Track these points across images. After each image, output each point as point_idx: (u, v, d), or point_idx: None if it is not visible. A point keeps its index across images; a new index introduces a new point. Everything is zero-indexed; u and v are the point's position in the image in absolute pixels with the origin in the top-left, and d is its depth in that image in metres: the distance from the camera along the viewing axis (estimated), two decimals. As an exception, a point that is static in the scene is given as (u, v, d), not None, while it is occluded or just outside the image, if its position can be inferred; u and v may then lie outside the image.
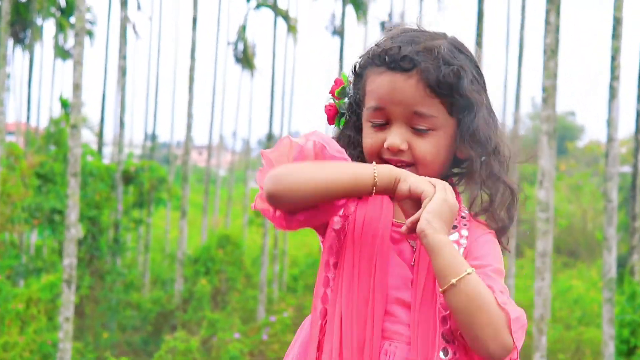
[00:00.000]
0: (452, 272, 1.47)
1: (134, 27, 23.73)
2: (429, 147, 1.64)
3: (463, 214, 1.64)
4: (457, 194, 1.67)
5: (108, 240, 12.34)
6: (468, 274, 1.46)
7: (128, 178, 13.16)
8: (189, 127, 13.93)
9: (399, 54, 1.64)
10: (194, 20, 14.18)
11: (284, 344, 12.57)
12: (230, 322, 12.39)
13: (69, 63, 23.39)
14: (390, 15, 26.19)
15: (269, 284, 18.06)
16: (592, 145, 34.35)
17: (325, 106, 1.82)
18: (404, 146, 1.63)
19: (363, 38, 24.40)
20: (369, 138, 1.68)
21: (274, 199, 1.51)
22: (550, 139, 8.00)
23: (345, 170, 1.53)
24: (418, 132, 1.64)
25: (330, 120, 1.81)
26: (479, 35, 11.63)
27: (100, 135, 18.68)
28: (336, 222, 1.62)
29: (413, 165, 1.64)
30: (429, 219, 1.49)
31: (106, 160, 19.86)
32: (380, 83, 1.67)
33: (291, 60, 25.50)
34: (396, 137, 1.63)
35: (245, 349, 11.04)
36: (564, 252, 27.08)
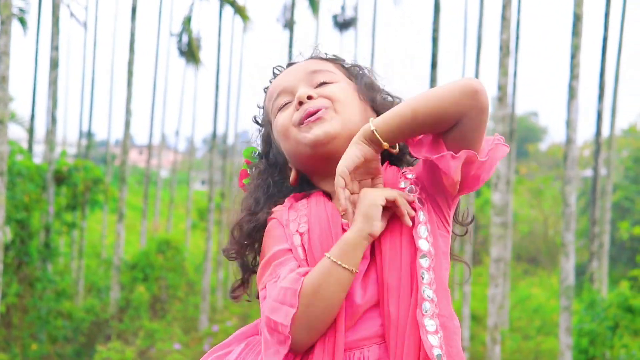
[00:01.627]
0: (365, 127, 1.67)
1: (70, 11, 23.41)
2: (336, 89, 1.81)
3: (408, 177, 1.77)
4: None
5: (38, 244, 12.19)
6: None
7: (60, 178, 13.01)
8: (127, 124, 13.83)
9: (289, 61, 1.93)
10: (134, 9, 14.09)
11: (227, 356, 12.53)
12: (170, 332, 12.36)
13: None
14: (343, 7, 26.32)
15: (213, 292, 18.02)
16: (555, 148, 34.91)
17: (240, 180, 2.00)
18: (313, 93, 1.79)
19: (315, 31, 24.47)
20: (279, 119, 1.83)
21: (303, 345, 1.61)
22: (507, 140, 8.14)
23: (335, 276, 1.61)
24: (322, 85, 1.82)
25: (240, 183, 2.01)
26: (435, 30, 11.76)
27: (30, 132, 18.43)
28: (296, 238, 1.73)
29: (329, 107, 1.77)
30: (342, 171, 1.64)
31: (38, 159, 19.60)
32: (276, 80, 1.89)
33: (238, 55, 25.39)
34: (302, 89, 1.80)
35: (185, 361, 11.01)
36: (524, 259, 27.46)
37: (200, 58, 24.65)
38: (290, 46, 15.47)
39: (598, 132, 13.57)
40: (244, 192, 1.94)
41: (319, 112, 1.75)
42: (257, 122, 1.95)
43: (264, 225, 1.81)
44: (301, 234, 1.72)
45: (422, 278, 1.63)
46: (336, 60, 1.89)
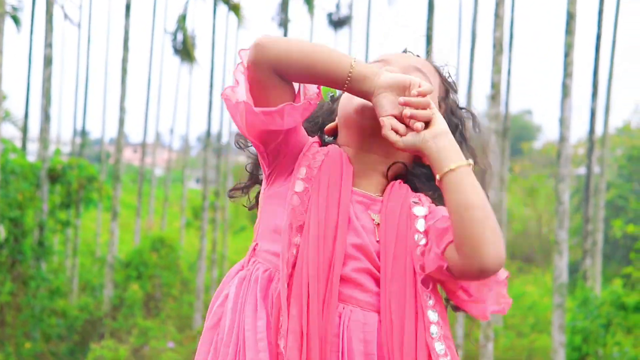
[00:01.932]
0: (459, 157, 1.62)
1: (64, 12, 23.38)
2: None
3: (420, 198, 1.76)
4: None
5: (32, 243, 12.18)
6: (470, 164, 1.62)
7: (54, 177, 13.00)
8: (121, 122, 13.83)
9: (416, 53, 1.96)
10: (127, 7, 14.08)
11: (221, 354, 12.51)
12: (164, 330, 12.34)
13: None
14: (337, 6, 26.32)
15: (207, 290, 18.01)
16: (549, 146, 34.93)
17: None
18: None
19: (309, 29, 24.48)
20: None
21: (260, 54, 1.64)
22: (499, 138, 8.18)
23: (326, 51, 1.68)
24: None
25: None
26: (430, 28, 11.78)
27: (24, 130, 18.41)
28: (298, 184, 1.71)
29: None
30: (434, 110, 1.64)
31: (32, 158, 19.58)
32: (390, 53, 1.92)
33: (233, 53, 25.45)
34: (393, 67, 1.81)
35: (179, 359, 11.01)
36: (518, 257, 27.49)
37: (195, 56, 24.63)
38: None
39: (591, 130, 13.61)
40: None
41: None
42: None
43: None
44: (308, 179, 1.73)
45: (427, 300, 1.65)
46: (446, 83, 1.91)
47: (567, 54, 9.28)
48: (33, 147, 26.84)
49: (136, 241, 19.07)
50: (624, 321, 10.42)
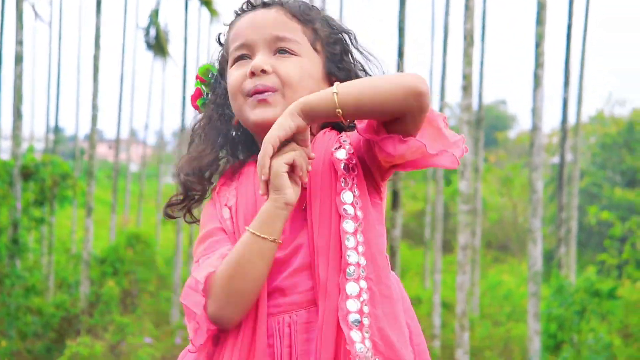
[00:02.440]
0: (330, 90, 1.61)
1: (34, 11, 23.21)
2: (293, 67, 1.74)
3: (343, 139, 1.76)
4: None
5: (6, 241, 12.10)
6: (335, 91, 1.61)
7: (27, 174, 12.92)
8: (94, 119, 13.74)
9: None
10: (98, 3, 13.98)
11: (199, 348, 12.49)
12: (141, 326, 12.32)
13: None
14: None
15: (184, 285, 17.97)
16: (523, 136, 35.12)
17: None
18: (267, 67, 1.73)
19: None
20: (232, 76, 1.78)
21: (221, 322, 1.70)
22: (471, 128, 8.25)
23: (256, 254, 1.64)
24: (282, 55, 1.75)
25: (193, 103, 1.91)
26: (402, 20, 11.78)
27: (-4, 127, 18.29)
28: (225, 211, 1.76)
29: (278, 90, 1.73)
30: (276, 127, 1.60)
31: (4, 155, 19.43)
32: (241, 22, 1.82)
33: (206, 47, 25.32)
34: (259, 59, 1.74)
35: (156, 354, 11.01)
36: (494, 247, 27.66)
37: (169, 51, 24.51)
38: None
39: (564, 119, 13.73)
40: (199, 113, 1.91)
41: (266, 94, 1.72)
42: (220, 43, 1.93)
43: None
44: (230, 207, 1.75)
45: (347, 242, 1.64)
46: (308, 23, 1.80)
47: (538, 44, 9.34)
48: (5, 144, 26.64)
49: (112, 237, 18.98)
50: (598, 308, 10.53)
